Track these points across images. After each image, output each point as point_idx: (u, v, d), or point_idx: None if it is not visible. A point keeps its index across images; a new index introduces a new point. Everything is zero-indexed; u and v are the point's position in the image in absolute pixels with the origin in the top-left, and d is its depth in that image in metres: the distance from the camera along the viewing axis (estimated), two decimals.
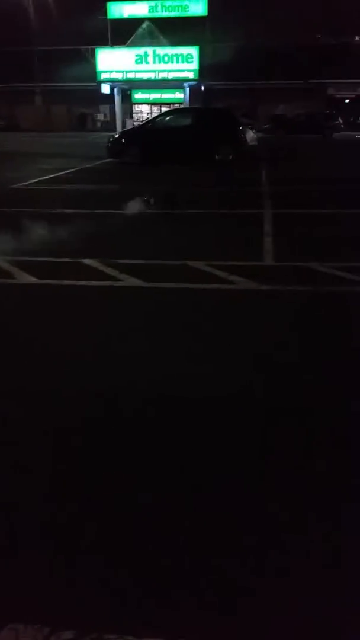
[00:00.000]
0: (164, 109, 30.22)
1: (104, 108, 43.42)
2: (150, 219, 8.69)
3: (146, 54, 39.08)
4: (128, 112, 43.77)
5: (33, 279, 5.39)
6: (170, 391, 3.28)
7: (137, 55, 39.36)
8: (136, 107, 44.90)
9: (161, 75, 39.14)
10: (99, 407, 3.11)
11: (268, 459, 2.64)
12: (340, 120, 36.80)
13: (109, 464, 2.60)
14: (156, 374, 3.49)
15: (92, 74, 40.61)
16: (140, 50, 39.37)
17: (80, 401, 3.18)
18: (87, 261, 5.94)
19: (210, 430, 2.88)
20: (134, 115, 43.65)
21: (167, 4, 39.62)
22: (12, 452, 2.71)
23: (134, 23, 40.43)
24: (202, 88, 41.24)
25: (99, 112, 43.42)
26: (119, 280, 5.35)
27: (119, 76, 40.06)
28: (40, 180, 12.81)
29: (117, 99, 42.74)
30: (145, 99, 44.27)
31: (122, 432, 2.87)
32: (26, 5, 43.14)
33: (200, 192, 11.35)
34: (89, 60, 41.21)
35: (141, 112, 44.06)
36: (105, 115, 43.35)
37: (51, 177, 13.42)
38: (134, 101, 44.68)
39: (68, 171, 14.84)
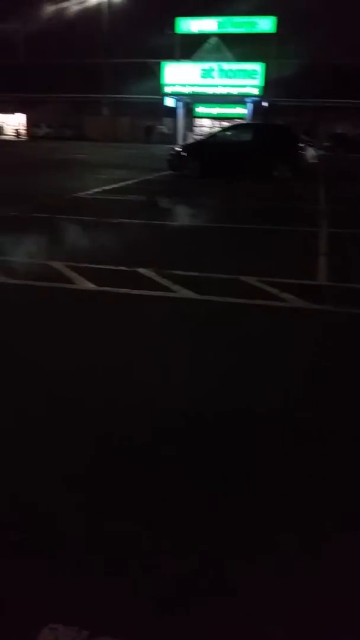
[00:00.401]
0: (224, 124, 30.48)
1: (166, 121, 44.19)
2: (206, 232, 8.87)
3: (211, 69, 39.67)
4: (189, 126, 44.39)
5: (91, 286, 5.63)
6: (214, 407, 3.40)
7: (202, 70, 40.02)
8: (197, 121, 45.51)
9: (225, 90, 39.62)
10: (173, 419, 3.27)
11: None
12: None
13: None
14: (198, 390, 3.62)
15: (157, 87, 41.53)
16: (206, 65, 40.00)
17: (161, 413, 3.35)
18: (142, 270, 6.14)
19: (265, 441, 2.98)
20: (195, 129, 44.23)
21: (236, 20, 40.12)
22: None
23: (200, 38, 41.15)
24: (265, 104, 41.34)
25: (161, 125, 44.25)
26: (172, 291, 5.52)
27: (184, 90, 40.85)
28: (102, 190, 13.26)
29: (180, 112, 43.48)
30: (207, 113, 44.80)
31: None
32: (97, 20, 44.57)
33: (256, 208, 11.46)
34: (155, 73, 42.17)
35: (202, 126, 44.61)
36: (167, 128, 44.12)
37: (112, 188, 13.85)
38: (195, 115, 45.31)
39: (129, 182, 15.26)
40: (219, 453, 2.87)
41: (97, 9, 44.53)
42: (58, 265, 6.24)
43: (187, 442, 2.97)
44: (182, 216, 9.90)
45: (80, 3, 45.04)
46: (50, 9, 46.05)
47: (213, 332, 4.59)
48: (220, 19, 40.09)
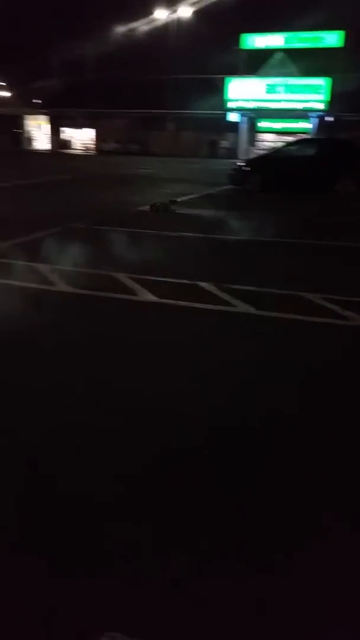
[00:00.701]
0: (287, 138, 30.36)
1: (229, 136, 44.46)
2: (267, 247, 8.88)
3: (276, 84, 39.70)
4: (251, 140, 44.42)
5: (153, 298, 5.78)
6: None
7: (267, 85, 40.12)
8: (259, 136, 45.46)
9: (290, 105, 39.50)
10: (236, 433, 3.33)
11: None
12: None
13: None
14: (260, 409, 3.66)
15: (220, 103, 41.94)
16: (271, 80, 40.07)
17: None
18: (202, 284, 6.24)
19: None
20: (257, 143, 44.21)
21: (303, 35, 40.00)
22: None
23: (265, 53, 41.27)
24: (330, 118, 40.84)
25: (224, 140, 44.57)
26: (232, 305, 5.58)
27: (247, 105, 41.08)
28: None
29: (243, 127, 43.64)
30: (270, 127, 44.69)
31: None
32: (164, 37, 45.62)
33: (317, 222, 11.36)
34: (219, 88, 42.62)
35: (264, 141, 44.50)
36: (229, 142, 44.38)
37: (174, 202, 14.06)
38: (258, 130, 45.29)
39: (191, 196, 15.47)
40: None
41: (164, 26, 45.61)
42: (120, 276, 6.43)
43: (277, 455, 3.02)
44: (243, 230, 9.95)
45: (149, 22, 46.27)
46: (119, 27, 47.60)
47: (269, 349, 4.60)
48: (286, 34, 40.08)
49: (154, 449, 3.03)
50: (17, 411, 3.44)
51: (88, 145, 50.25)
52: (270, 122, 44.10)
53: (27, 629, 1.93)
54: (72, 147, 52.41)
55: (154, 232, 9.61)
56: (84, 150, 49.58)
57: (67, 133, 53.48)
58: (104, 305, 5.59)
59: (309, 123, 40.46)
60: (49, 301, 5.69)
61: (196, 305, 5.57)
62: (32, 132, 54.53)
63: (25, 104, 50.90)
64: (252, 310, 5.45)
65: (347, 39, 38.44)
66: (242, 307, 5.53)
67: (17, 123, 53.51)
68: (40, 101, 51.31)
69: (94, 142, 50.84)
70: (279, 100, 39.82)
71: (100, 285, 6.07)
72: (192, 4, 44.18)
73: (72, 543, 2.34)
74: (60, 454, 2.98)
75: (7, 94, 50.41)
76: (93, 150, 49.70)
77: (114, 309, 5.48)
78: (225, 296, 5.82)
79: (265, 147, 38.15)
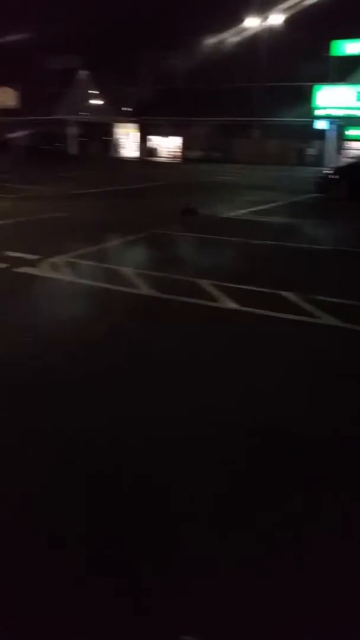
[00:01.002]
0: None
1: (315, 144, 43.61)
2: (353, 257, 8.64)
3: None
4: (339, 149, 43.31)
5: (234, 305, 5.80)
6: None
7: (358, 93, 39.08)
8: (347, 144, 44.24)
9: None
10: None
11: None
12: None
13: None
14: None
15: (308, 110, 41.27)
16: None
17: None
18: (285, 293, 6.17)
19: None
20: (344, 151, 43.04)
21: None
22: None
23: (355, 60, 40.16)
24: None
25: (310, 148, 43.76)
26: (316, 317, 5.48)
27: (336, 113, 40.17)
28: (248, 212, 13.49)
29: (330, 135, 42.68)
30: (358, 135, 43.44)
31: None
32: (252, 45, 45.56)
33: None
34: (307, 96, 41.97)
35: (352, 149, 43.25)
36: (315, 150, 43.53)
37: (258, 209, 14.02)
38: (345, 138, 44.12)
39: (275, 204, 15.33)
40: None
41: (254, 35, 45.57)
42: (203, 283, 6.51)
43: None
44: (328, 239, 9.74)
45: (239, 31, 46.41)
46: (209, 36, 48.14)
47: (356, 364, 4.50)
48: None
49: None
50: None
51: (174, 153, 51.11)
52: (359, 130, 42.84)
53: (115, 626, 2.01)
54: (158, 155, 53.51)
55: (238, 240, 9.62)
56: (170, 158, 50.46)
57: (154, 141, 54.71)
58: (185, 310, 5.69)
59: None
60: (133, 304, 5.87)
61: (279, 315, 5.52)
62: (121, 140, 56.27)
63: (115, 112, 52.68)
64: (336, 322, 5.33)
65: None
66: (326, 318, 5.42)
67: (106, 131, 55.47)
68: (130, 109, 52.88)
69: (179, 150, 51.63)
70: None
71: (184, 291, 6.18)
72: (283, 12, 43.80)
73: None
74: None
75: (99, 102, 52.40)
76: (178, 158, 50.47)
77: (196, 315, 5.57)
78: (309, 307, 5.72)
79: (353, 155, 37.05)
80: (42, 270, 6.96)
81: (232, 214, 13.01)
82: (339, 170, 19.05)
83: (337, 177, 17.35)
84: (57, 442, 3.15)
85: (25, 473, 2.86)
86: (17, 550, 2.31)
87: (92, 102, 52.70)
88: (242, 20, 45.27)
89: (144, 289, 6.28)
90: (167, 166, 40.02)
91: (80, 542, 2.37)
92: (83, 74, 52.33)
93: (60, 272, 6.97)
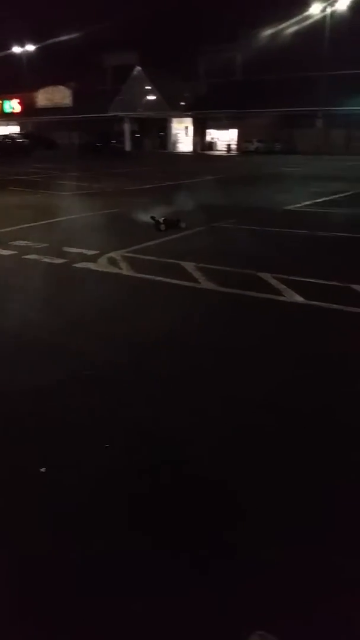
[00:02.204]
0: None
1: None
2: None
3: None
4: None
5: (300, 299, 5.41)
6: None
7: None
8: None
9: None
10: None
11: None
12: None
13: None
14: None
15: None
16: None
17: None
18: (356, 287, 5.73)
19: None
20: None
21: None
22: None
23: None
24: None
25: None
26: None
27: None
28: (313, 203, 12.89)
29: None
30: None
31: None
32: (316, 33, 44.06)
33: None
34: None
35: None
36: None
37: (324, 200, 13.38)
38: None
39: (341, 195, 14.62)
40: None
41: (317, 21, 44.08)
42: (266, 276, 6.16)
43: None
44: None
45: (301, 18, 45.05)
46: (268, 25, 47.02)
47: None
48: None
49: None
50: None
51: (231, 146, 50.40)
52: None
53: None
54: (216, 148, 53.01)
55: (303, 232, 9.15)
56: (227, 151, 49.80)
57: (211, 134, 54.24)
58: (250, 305, 5.37)
59: None
60: (198, 298, 5.61)
61: (349, 309, 5.10)
62: (177, 135, 56.16)
63: (171, 107, 52.52)
64: None
65: None
66: None
67: (162, 126, 55.49)
68: (183, 103, 52.56)
69: (236, 143, 50.89)
70: None
71: (246, 285, 5.86)
72: None
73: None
74: None
75: (154, 97, 52.45)
76: (236, 150, 49.75)
77: (261, 310, 5.24)
78: None
79: None
80: (99, 266, 6.83)
81: (297, 205, 12.45)
82: None
83: None
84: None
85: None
86: None
87: (147, 97, 52.79)
88: (303, 7, 43.96)
89: (204, 283, 6.01)
90: (225, 159, 39.51)
91: None
92: (138, 70, 52.49)
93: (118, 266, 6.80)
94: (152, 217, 9.16)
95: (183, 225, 9.07)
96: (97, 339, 4.50)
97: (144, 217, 9.55)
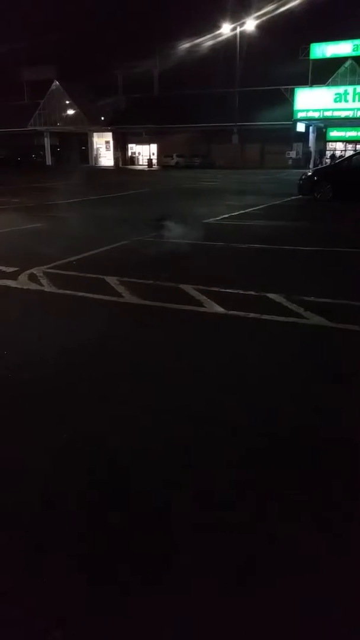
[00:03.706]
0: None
1: (297, 146, 43.89)
2: (340, 257, 8.52)
3: (346, 92, 39.05)
4: (320, 150, 43.74)
5: (220, 309, 5.62)
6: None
7: (336, 94, 39.57)
8: (330, 145, 44.81)
9: None
10: None
11: None
12: None
13: None
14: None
15: (288, 114, 41.63)
16: (340, 89, 39.50)
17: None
18: (271, 295, 6.01)
19: None
20: (327, 152, 43.53)
21: None
22: None
23: (333, 62, 40.60)
24: None
25: (291, 151, 43.99)
26: (304, 317, 5.32)
27: (316, 115, 40.59)
28: (229, 216, 13.35)
29: (312, 137, 43.11)
30: (341, 136, 43.96)
31: None
32: (229, 50, 45.73)
33: None
34: (286, 99, 42.35)
35: (335, 150, 43.83)
36: (297, 153, 43.80)
37: (240, 213, 13.89)
38: (328, 139, 44.64)
39: (257, 207, 15.24)
40: None
41: (229, 39, 45.80)
42: (187, 287, 6.34)
43: None
44: (313, 241, 9.62)
45: (214, 36, 46.63)
46: (183, 43, 48.33)
47: (349, 363, 4.32)
48: (356, 41, 39.30)
49: None
50: None
51: (152, 160, 51.07)
52: (341, 131, 43.42)
53: None
54: (137, 162, 53.51)
55: (220, 245, 9.46)
56: (148, 165, 50.41)
57: (132, 149, 54.71)
58: (174, 316, 5.51)
59: None
60: (116, 311, 5.67)
61: (266, 317, 5.36)
62: (99, 149, 56.17)
63: (91, 122, 52.51)
64: (325, 322, 5.18)
65: None
66: (315, 319, 5.26)
67: (84, 140, 55.34)
68: (103, 118, 52.71)
69: (157, 157, 51.66)
70: (349, 109, 39.12)
71: (168, 297, 6.00)
72: (257, 17, 44.13)
73: None
74: None
75: (74, 111, 52.20)
76: (156, 165, 50.45)
77: (182, 320, 5.39)
78: (296, 308, 5.56)
79: (336, 157, 37.54)
80: (19, 283, 6.74)
81: (215, 219, 12.86)
82: (320, 171, 19.09)
83: (317, 178, 17.34)
84: None
85: None
86: None
87: (67, 112, 52.51)
88: (216, 26, 45.52)
89: (128, 297, 6.09)
90: (146, 173, 39.99)
91: None
92: (56, 84, 52.14)
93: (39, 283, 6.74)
94: None
95: None
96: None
97: (66, 232, 9.52)
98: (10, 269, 7.27)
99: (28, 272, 7.15)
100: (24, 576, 2.20)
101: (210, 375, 4.09)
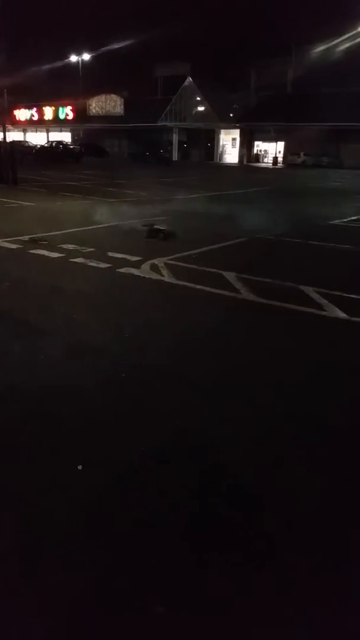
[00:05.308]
0: None
1: None
2: None
3: None
4: None
5: (343, 315, 5.38)
6: None
7: None
8: None
9: None
10: None
11: None
12: None
13: None
14: None
15: None
16: None
17: None
18: None
19: None
20: None
21: None
22: None
23: None
24: None
25: None
26: None
27: None
28: (358, 218, 12.73)
29: None
30: None
31: None
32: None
33: None
34: None
35: None
36: None
37: None
38: None
39: None
40: None
41: None
42: (307, 289, 6.14)
43: None
44: None
45: (354, 35, 44.68)
46: (321, 41, 46.86)
47: None
48: None
49: None
50: None
51: (277, 158, 50.13)
52: None
53: None
54: (261, 160, 52.85)
55: (346, 247, 9.07)
56: (273, 163, 49.57)
57: (258, 146, 54.11)
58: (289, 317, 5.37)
59: None
60: (234, 307, 5.64)
61: None
62: (225, 146, 56.29)
63: (220, 118, 52.75)
64: None
65: None
66: None
67: (211, 137, 55.77)
68: (232, 115, 52.69)
69: (283, 155, 50.62)
70: None
71: (285, 297, 5.86)
72: None
73: None
74: None
75: (204, 108, 52.75)
76: (281, 163, 49.47)
77: (300, 323, 5.23)
78: None
79: None
80: (142, 272, 6.94)
81: (343, 220, 12.32)
82: None
83: None
84: None
85: None
86: None
87: (197, 108, 53.19)
88: (356, 25, 43.61)
89: (245, 294, 6.04)
90: (271, 171, 39.40)
91: None
92: (189, 81, 52.95)
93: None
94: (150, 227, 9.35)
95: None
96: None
97: (187, 227, 9.64)
98: (134, 258, 7.51)
99: (150, 262, 7.35)
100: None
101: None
